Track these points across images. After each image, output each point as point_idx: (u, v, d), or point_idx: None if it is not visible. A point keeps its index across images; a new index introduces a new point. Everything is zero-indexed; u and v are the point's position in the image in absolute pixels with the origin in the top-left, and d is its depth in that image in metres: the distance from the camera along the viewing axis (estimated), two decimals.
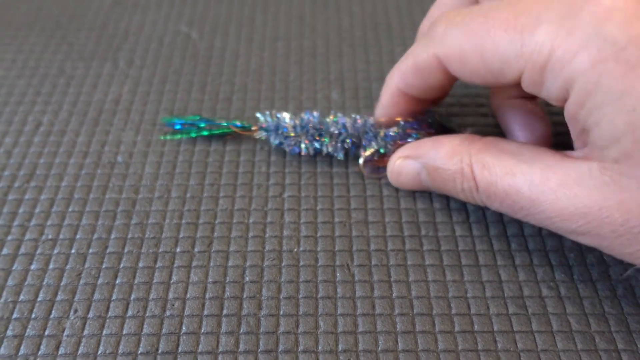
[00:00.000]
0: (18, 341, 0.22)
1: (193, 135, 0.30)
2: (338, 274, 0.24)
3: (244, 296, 0.24)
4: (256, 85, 0.33)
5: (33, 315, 0.23)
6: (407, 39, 0.36)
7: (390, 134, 0.27)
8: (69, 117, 0.31)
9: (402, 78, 0.26)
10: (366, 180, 0.28)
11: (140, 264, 0.25)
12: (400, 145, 0.27)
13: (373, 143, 0.28)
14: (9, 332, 0.23)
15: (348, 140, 0.28)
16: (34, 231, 0.26)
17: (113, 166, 0.29)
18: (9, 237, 0.26)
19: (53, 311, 0.23)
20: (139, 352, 0.22)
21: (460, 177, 0.24)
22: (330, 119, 0.28)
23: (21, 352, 0.22)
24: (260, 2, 0.39)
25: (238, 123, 0.30)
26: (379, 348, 0.22)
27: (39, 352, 0.22)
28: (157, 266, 0.25)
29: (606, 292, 0.24)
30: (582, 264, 0.25)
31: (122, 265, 0.25)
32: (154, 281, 0.24)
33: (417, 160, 0.26)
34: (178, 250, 0.25)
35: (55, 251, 0.25)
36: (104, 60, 0.35)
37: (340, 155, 0.29)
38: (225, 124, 0.30)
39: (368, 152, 0.28)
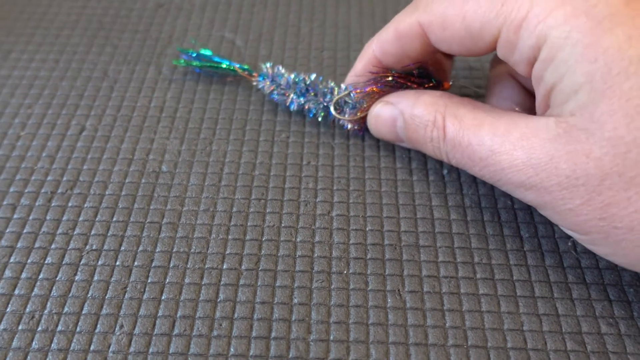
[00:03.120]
0: (63, 355, 0.22)
1: (198, 65, 0.33)
2: (389, 300, 0.24)
3: (293, 319, 0.23)
4: None
5: (78, 329, 0.23)
6: None
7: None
8: (112, 122, 0.31)
9: (380, 45, 0.27)
10: (417, 202, 0.27)
11: (187, 280, 0.24)
12: (374, 94, 0.28)
13: (346, 98, 0.30)
14: (54, 346, 0.22)
15: (322, 112, 0.30)
16: (78, 240, 0.26)
17: (158, 176, 0.28)
18: (53, 246, 0.25)
19: (98, 325, 0.23)
20: None
21: (432, 126, 0.25)
22: (321, 83, 0.30)
23: None
24: (305, 10, 0.38)
25: (240, 65, 0.33)
26: None
27: None
28: (203, 283, 0.24)
29: None
30: None
31: (167, 280, 0.24)
32: (201, 299, 0.24)
33: (397, 106, 0.27)
34: (225, 267, 0.25)
35: (100, 262, 0.25)
36: (148, 64, 0.34)
37: (322, 115, 0.30)
38: (228, 63, 0.33)
39: (339, 96, 0.30)
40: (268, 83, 0.31)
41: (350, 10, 0.38)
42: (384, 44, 0.27)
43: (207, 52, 0.33)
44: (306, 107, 0.30)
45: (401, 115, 0.26)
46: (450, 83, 0.30)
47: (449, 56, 0.30)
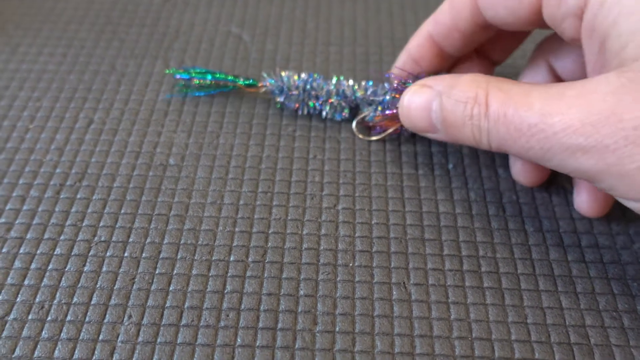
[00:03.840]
0: (72, 345, 0.22)
1: (201, 93, 0.32)
2: (394, 292, 0.24)
3: (299, 310, 0.23)
4: None
5: (87, 319, 0.23)
6: None
7: (387, 98, 0.29)
8: (120, 115, 0.31)
9: (434, 19, 0.28)
10: (422, 196, 0.27)
11: (194, 272, 0.25)
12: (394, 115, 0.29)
13: (371, 108, 0.30)
14: (63, 335, 0.22)
15: (346, 110, 0.30)
16: (86, 232, 0.26)
17: (165, 169, 0.29)
18: (62, 237, 0.26)
19: (107, 315, 0.23)
20: None
21: (473, 102, 0.23)
22: (332, 82, 0.30)
23: (75, 356, 0.22)
24: (311, 6, 0.39)
25: (242, 80, 0.31)
26: None
27: (94, 357, 0.22)
28: (210, 274, 0.24)
29: None
30: None
31: (175, 271, 0.25)
32: (208, 290, 0.24)
33: (435, 88, 0.25)
34: (232, 259, 0.25)
35: (109, 254, 0.25)
36: (155, 58, 0.35)
37: (337, 117, 0.31)
38: (230, 79, 0.32)
39: (360, 116, 0.30)
40: (278, 98, 0.31)
41: (356, 6, 0.39)
42: (438, 15, 0.28)
43: (201, 70, 0.32)
44: (325, 111, 0.31)
45: (438, 96, 0.24)
46: None
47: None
